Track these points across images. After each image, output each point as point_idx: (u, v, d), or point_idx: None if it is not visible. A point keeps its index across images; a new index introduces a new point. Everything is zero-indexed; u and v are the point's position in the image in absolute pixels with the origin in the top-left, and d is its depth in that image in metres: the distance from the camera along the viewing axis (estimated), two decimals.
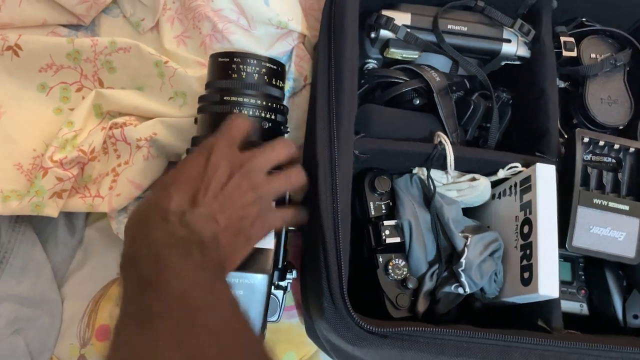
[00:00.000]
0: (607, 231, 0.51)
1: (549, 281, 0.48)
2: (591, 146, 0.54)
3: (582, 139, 0.53)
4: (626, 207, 0.52)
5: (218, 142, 0.45)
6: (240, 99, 0.52)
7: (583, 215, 0.51)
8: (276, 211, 0.47)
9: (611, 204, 0.52)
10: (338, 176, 0.49)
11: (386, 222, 0.55)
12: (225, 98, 0.52)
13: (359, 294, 0.53)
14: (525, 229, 0.52)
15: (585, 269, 0.58)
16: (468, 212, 0.61)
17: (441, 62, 0.62)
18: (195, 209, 0.41)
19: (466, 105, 0.59)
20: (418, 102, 0.60)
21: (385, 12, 0.58)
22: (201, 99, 0.54)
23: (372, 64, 0.61)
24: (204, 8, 0.64)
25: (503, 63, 0.61)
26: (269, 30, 0.65)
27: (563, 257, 0.58)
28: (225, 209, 0.43)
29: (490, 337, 0.46)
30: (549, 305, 0.50)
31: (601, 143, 0.53)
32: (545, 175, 0.51)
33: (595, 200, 0.52)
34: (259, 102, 0.52)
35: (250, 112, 0.52)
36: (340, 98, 0.52)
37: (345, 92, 0.52)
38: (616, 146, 0.54)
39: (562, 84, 0.63)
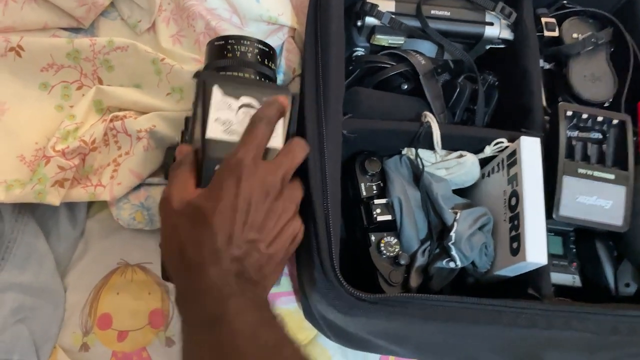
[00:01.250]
0: (593, 200, 0.52)
1: (536, 248, 0.49)
2: (575, 120, 0.55)
3: (565, 112, 0.54)
4: (612, 176, 0.53)
5: (244, 161, 0.44)
6: (236, 74, 0.54)
7: (569, 184, 0.52)
8: (298, 215, 0.49)
9: (596, 174, 0.53)
10: (326, 152, 0.51)
11: (377, 201, 0.56)
12: (221, 74, 0.54)
13: (355, 274, 0.55)
14: (513, 201, 0.53)
15: (576, 242, 0.58)
16: (460, 193, 0.62)
17: (427, 48, 0.64)
18: (241, 244, 0.43)
19: (453, 88, 0.60)
20: (406, 86, 0.62)
21: (369, 0, 0.60)
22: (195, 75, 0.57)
23: (360, 51, 0.63)
24: (197, 7, 0.67)
25: (488, 47, 0.63)
26: (261, 26, 0.68)
27: (554, 232, 0.59)
28: (267, 236, 0.45)
29: (479, 302, 0.47)
30: (538, 274, 0.51)
31: (584, 116, 0.55)
32: (530, 147, 0.52)
33: (580, 170, 0.53)
34: (252, 77, 0.54)
35: None
36: (327, 80, 0.54)
37: (331, 74, 0.54)
38: (599, 119, 0.55)
39: (547, 66, 0.64)
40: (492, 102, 0.63)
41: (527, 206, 0.50)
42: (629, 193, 0.53)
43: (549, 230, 0.57)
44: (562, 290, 0.57)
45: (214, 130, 0.48)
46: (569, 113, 0.55)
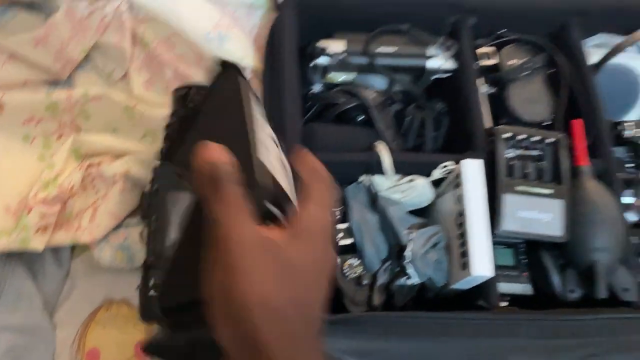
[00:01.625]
0: (533, 214, 0.57)
1: (481, 262, 0.54)
2: (513, 140, 0.60)
3: (502, 134, 0.59)
4: (550, 191, 0.58)
5: (330, 224, 0.36)
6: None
7: (508, 201, 0.57)
8: None
9: (535, 190, 0.57)
10: None
11: (338, 226, 0.61)
12: (184, 123, 0.59)
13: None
14: (460, 220, 0.57)
15: (526, 252, 0.62)
16: (420, 213, 0.66)
17: (380, 81, 0.69)
18: (303, 312, 0.33)
19: (404, 117, 0.66)
20: (362, 118, 0.67)
21: (321, 42, 0.65)
22: (165, 128, 0.62)
23: (316, 88, 0.68)
24: (166, 55, 0.73)
25: (433, 77, 0.68)
26: None
27: (505, 244, 0.63)
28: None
29: (430, 316, 0.51)
30: (486, 286, 0.55)
31: (520, 137, 0.60)
32: (471, 169, 0.57)
33: (518, 187, 0.57)
34: None
35: None
36: (284, 118, 0.58)
37: (287, 113, 0.59)
38: (535, 138, 0.60)
39: (490, 90, 0.69)
40: (443, 127, 0.68)
41: (471, 224, 0.55)
42: (566, 205, 0.57)
43: (500, 244, 0.62)
44: (517, 299, 0.61)
45: (262, 154, 0.37)
46: (506, 135, 0.59)
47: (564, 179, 0.58)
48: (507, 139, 0.60)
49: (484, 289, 0.56)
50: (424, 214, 0.67)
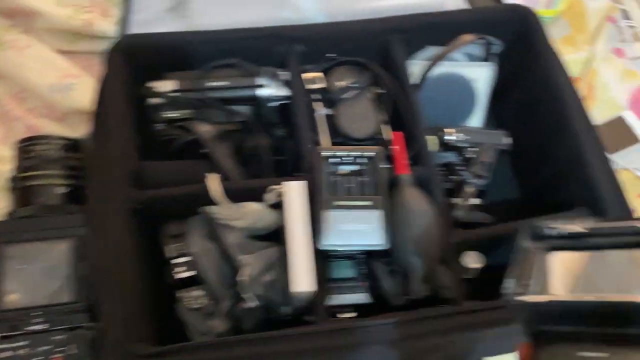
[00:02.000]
0: (354, 226, 0.60)
1: (301, 279, 0.56)
2: (334, 158, 0.63)
3: (321, 153, 0.63)
4: (369, 203, 0.61)
5: None
6: (40, 172, 0.62)
7: (329, 217, 0.60)
8: None
9: (353, 203, 0.61)
10: (111, 228, 0.57)
11: (178, 260, 0.63)
12: (27, 174, 0.62)
13: (180, 333, 0.61)
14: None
15: (365, 263, 0.65)
16: (273, 236, 0.69)
17: (222, 114, 0.72)
18: None
19: (242, 145, 0.69)
20: (205, 150, 0.69)
21: (152, 83, 0.68)
22: (10, 180, 0.64)
23: (158, 126, 0.71)
24: (17, 110, 0.74)
25: (269, 105, 0.71)
26: (76, 116, 0.75)
27: (346, 257, 0.66)
28: None
29: (249, 338, 0.53)
30: (313, 300, 0.58)
31: (340, 154, 0.63)
32: (292, 190, 0.60)
33: (336, 203, 0.60)
34: (56, 172, 0.63)
35: (49, 182, 0.62)
36: (110, 158, 0.61)
37: (111, 154, 0.61)
38: (354, 154, 0.63)
39: (329, 112, 0.72)
40: (286, 152, 0.71)
41: (291, 242, 0.58)
42: (385, 215, 0.60)
43: (341, 257, 0.65)
44: (360, 308, 0.64)
45: None
46: (326, 153, 0.63)
47: (380, 190, 0.61)
48: (328, 157, 0.63)
49: (311, 303, 0.58)
50: (276, 236, 0.69)
